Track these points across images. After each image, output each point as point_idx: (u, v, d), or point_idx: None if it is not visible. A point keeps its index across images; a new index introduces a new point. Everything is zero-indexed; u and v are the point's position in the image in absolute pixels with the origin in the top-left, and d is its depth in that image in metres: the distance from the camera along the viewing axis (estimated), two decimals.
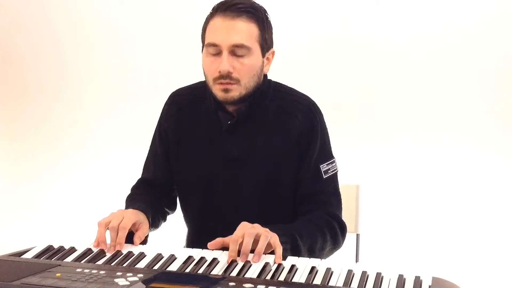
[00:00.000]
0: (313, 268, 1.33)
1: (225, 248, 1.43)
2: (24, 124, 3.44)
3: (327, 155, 1.69)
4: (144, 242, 1.57)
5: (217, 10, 1.58)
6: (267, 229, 1.43)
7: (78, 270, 1.29)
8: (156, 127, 1.80)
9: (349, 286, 1.25)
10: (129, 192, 1.82)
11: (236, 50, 1.56)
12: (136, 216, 1.58)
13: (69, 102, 3.35)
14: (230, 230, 1.42)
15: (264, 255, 1.39)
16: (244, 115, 1.64)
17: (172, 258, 1.41)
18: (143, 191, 1.79)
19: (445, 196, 2.83)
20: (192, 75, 1.82)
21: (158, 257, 1.42)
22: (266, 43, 1.62)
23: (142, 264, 1.39)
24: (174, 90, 1.81)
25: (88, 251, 1.46)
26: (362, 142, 2.91)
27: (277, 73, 1.76)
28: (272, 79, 1.73)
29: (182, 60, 2.96)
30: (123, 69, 3.24)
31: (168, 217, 1.83)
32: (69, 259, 1.42)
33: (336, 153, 1.72)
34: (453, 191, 2.82)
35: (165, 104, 1.79)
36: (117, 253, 1.46)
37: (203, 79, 1.68)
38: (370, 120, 2.91)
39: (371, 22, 2.86)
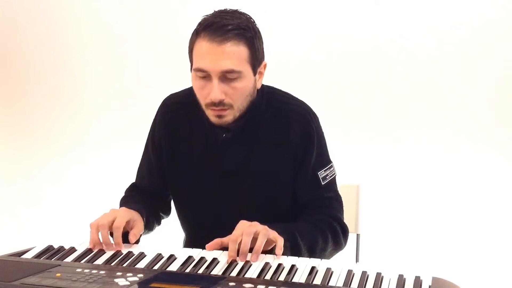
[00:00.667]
0: (313, 268, 1.33)
1: (224, 248, 1.43)
2: (24, 124, 3.44)
3: (325, 161, 1.67)
4: (137, 241, 1.54)
5: (203, 31, 1.50)
6: (266, 227, 1.42)
7: (78, 270, 1.29)
8: (149, 134, 1.76)
9: (349, 286, 1.25)
10: (123, 194, 1.81)
11: (226, 75, 1.50)
12: (129, 214, 1.56)
13: (69, 102, 3.35)
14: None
15: (263, 254, 1.39)
16: (239, 128, 1.61)
17: (172, 258, 1.41)
18: (137, 194, 1.78)
19: (445, 196, 2.83)
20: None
21: (158, 257, 1.42)
22: (257, 60, 1.55)
23: (142, 264, 1.39)
24: (174, 90, 1.80)
25: (88, 251, 1.46)
26: (362, 142, 2.91)
27: (278, 73, 1.75)
28: (269, 82, 1.70)
29: (182, 60, 2.95)
30: (123, 69, 3.24)
31: (168, 217, 1.83)
32: (69, 259, 1.42)
33: (337, 153, 1.71)
34: (453, 191, 2.82)
35: (157, 112, 1.75)
36: (117, 253, 1.46)
37: None
38: (370, 120, 2.91)
39: (371, 22, 2.86)
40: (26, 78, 3.42)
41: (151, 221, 1.70)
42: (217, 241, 1.43)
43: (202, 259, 1.40)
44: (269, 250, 1.43)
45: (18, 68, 3.42)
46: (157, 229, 1.77)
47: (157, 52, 3.16)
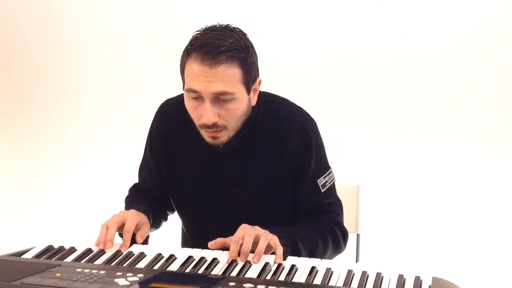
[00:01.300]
0: (313, 268, 1.33)
1: (225, 248, 1.43)
2: (24, 124, 3.44)
3: (324, 169, 1.66)
4: (145, 242, 1.56)
5: (194, 51, 1.46)
6: (267, 231, 1.43)
7: (78, 270, 1.29)
8: (147, 142, 1.75)
9: (349, 286, 1.25)
10: (127, 193, 1.81)
11: (219, 97, 1.46)
12: (138, 217, 1.58)
13: (69, 102, 3.35)
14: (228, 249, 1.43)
15: (264, 255, 1.39)
16: (237, 140, 1.59)
17: (172, 258, 1.41)
18: (142, 193, 1.79)
19: (445, 196, 2.83)
20: None
21: (158, 257, 1.42)
22: (251, 79, 1.51)
23: (142, 264, 1.39)
24: (174, 90, 1.78)
25: (88, 251, 1.46)
26: (362, 142, 2.91)
27: (277, 73, 1.75)
28: (268, 83, 1.67)
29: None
30: (123, 69, 3.24)
31: (174, 213, 1.83)
32: (69, 259, 1.42)
33: (337, 153, 1.71)
34: (453, 191, 2.82)
35: (154, 119, 1.73)
36: (117, 253, 1.46)
37: None
38: (370, 120, 2.90)
39: (371, 22, 2.86)
40: (26, 78, 3.42)
41: (157, 219, 1.71)
42: (220, 240, 1.43)
43: (202, 259, 1.40)
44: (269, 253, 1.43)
45: (18, 68, 3.42)
46: (158, 229, 1.77)
47: (157, 52, 3.16)
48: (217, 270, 1.33)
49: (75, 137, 3.35)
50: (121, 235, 1.53)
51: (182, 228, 1.84)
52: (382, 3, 2.84)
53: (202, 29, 1.52)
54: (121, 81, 3.25)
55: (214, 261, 1.38)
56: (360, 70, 2.89)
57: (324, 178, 1.65)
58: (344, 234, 1.66)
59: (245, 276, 1.30)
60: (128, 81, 3.24)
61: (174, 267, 1.37)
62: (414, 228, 2.85)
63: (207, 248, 1.46)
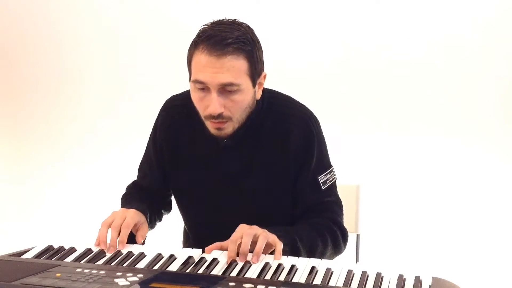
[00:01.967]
0: (313, 268, 1.33)
1: (226, 248, 1.43)
2: (24, 123, 3.44)
3: (325, 166, 1.67)
4: (143, 242, 1.57)
5: (201, 43, 1.49)
6: (265, 230, 1.43)
7: (78, 270, 1.29)
8: (151, 136, 1.77)
9: (349, 286, 1.25)
10: (124, 191, 1.82)
11: (225, 88, 1.49)
12: (138, 216, 1.58)
13: (69, 102, 3.35)
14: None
15: (263, 255, 1.39)
16: (241, 134, 1.61)
17: (172, 258, 1.41)
18: (139, 191, 1.79)
19: (445, 196, 2.83)
20: None
21: (158, 257, 1.42)
22: (256, 72, 1.54)
23: (142, 264, 1.39)
24: (175, 89, 1.79)
25: (88, 251, 1.46)
26: (362, 142, 2.91)
27: (278, 73, 1.75)
28: (269, 83, 1.68)
29: (182, 60, 2.96)
30: (123, 69, 3.24)
31: (168, 217, 1.83)
32: (69, 259, 1.42)
33: (337, 153, 1.71)
34: (453, 191, 2.82)
35: (159, 114, 1.75)
36: (117, 253, 1.46)
37: None
38: (370, 120, 2.90)
39: (371, 22, 2.86)
40: (26, 78, 3.42)
41: (153, 219, 1.72)
42: (216, 244, 1.43)
43: (202, 259, 1.40)
44: (269, 252, 1.43)
45: (18, 68, 3.42)
46: (158, 229, 1.77)
47: (157, 54, 3.16)
48: (217, 270, 1.33)
49: (74, 137, 3.35)
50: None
51: (184, 228, 1.84)
52: (382, 2, 2.84)
53: (209, 23, 1.54)
54: (121, 81, 3.25)
55: (214, 261, 1.38)
56: (360, 70, 2.90)
57: (325, 175, 1.66)
58: (344, 234, 1.66)
59: (245, 276, 1.30)
60: (128, 81, 3.24)
61: (174, 267, 1.37)
62: (414, 228, 2.85)
63: (207, 244, 1.46)
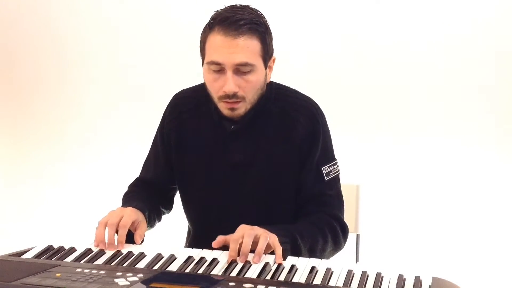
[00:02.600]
0: (313, 268, 1.33)
1: (226, 247, 1.43)
2: (24, 124, 3.45)
3: (329, 157, 1.69)
4: (141, 242, 1.56)
5: (217, 25, 1.53)
6: (266, 230, 1.43)
7: (78, 270, 1.29)
8: (158, 128, 1.79)
9: (349, 286, 1.25)
10: (126, 189, 1.82)
11: (240, 68, 1.53)
12: (136, 214, 1.58)
13: (69, 102, 3.35)
14: (232, 233, 1.43)
15: (264, 255, 1.39)
16: (247, 121, 1.63)
17: (172, 258, 1.41)
18: (140, 189, 1.79)
19: (445, 196, 2.83)
20: (193, 75, 1.82)
21: (158, 257, 1.42)
22: (268, 55, 1.60)
23: (142, 264, 1.39)
24: (175, 89, 1.80)
25: (88, 251, 1.46)
26: (362, 142, 2.92)
27: (279, 74, 1.75)
28: (274, 81, 1.72)
29: (183, 60, 2.96)
30: (123, 69, 3.24)
31: (168, 217, 1.83)
32: (69, 259, 1.42)
33: (337, 153, 1.72)
34: (453, 191, 2.82)
35: (167, 106, 1.78)
36: (117, 253, 1.46)
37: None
38: (370, 120, 2.91)
39: (372, 21, 2.86)
40: (26, 78, 3.42)
41: (152, 218, 1.71)
42: (221, 238, 1.43)
43: (202, 259, 1.40)
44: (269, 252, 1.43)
45: (18, 68, 3.42)
46: (158, 229, 1.77)
47: (157, 54, 3.16)
48: (217, 270, 1.33)
49: (74, 137, 3.35)
50: (117, 231, 1.53)
51: (188, 228, 1.84)
52: (381, 2, 2.84)
53: (222, 8, 1.58)
54: (121, 82, 3.26)
55: (214, 261, 1.38)
56: (360, 70, 2.90)
57: (329, 167, 1.67)
58: (344, 230, 1.67)
59: (245, 276, 1.30)
60: (128, 82, 3.24)
61: (174, 267, 1.37)
62: (414, 228, 2.85)
63: (209, 237, 1.46)
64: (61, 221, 3.33)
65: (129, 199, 1.72)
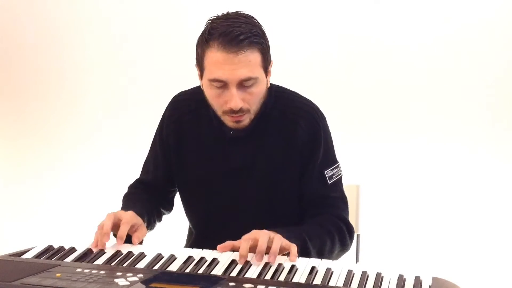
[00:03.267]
0: (313, 268, 1.33)
1: (235, 251, 1.42)
2: (24, 124, 3.44)
3: (331, 161, 1.68)
4: (140, 243, 1.55)
5: (215, 40, 1.48)
6: (277, 233, 1.42)
7: (78, 270, 1.29)
8: (157, 130, 1.78)
9: (349, 286, 1.25)
10: (126, 190, 1.82)
11: (243, 83, 1.51)
12: (135, 218, 1.57)
13: (69, 103, 3.35)
14: (233, 238, 1.42)
15: (278, 256, 1.38)
16: (249, 126, 1.61)
17: (172, 258, 1.41)
18: (140, 191, 1.79)
19: (445, 196, 2.83)
20: (192, 76, 1.81)
21: (158, 257, 1.42)
22: (268, 62, 1.58)
23: (142, 264, 1.39)
24: (174, 90, 1.80)
25: (88, 251, 1.46)
26: (362, 142, 2.91)
27: (278, 75, 1.75)
28: (273, 82, 1.70)
29: (182, 62, 2.96)
30: (123, 70, 3.24)
31: (168, 217, 1.83)
32: (69, 259, 1.42)
33: (337, 153, 1.72)
34: (453, 191, 2.82)
35: (166, 108, 1.76)
36: (117, 253, 1.46)
37: None
38: (370, 120, 2.91)
39: (371, 21, 2.86)
40: (25, 79, 3.41)
41: (151, 221, 1.71)
42: (229, 243, 1.42)
43: (202, 259, 1.40)
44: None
45: (18, 69, 3.42)
46: (158, 229, 1.77)
47: (157, 55, 3.16)
48: (217, 270, 1.33)
49: (74, 138, 3.35)
50: (115, 235, 1.52)
51: (189, 227, 1.84)
52: (381, 2, 2.84)
53: (214, 18, 1.55)
54: (120, 83, 3.25)
55: (214, 261, 1.37)
56: (360, 70, 2.90)
57: (331, 170, 1.66)
58: (350, 231, 1.66)
59: (245, 276, 1.30)
60: (128, 82, 3.24)
61: (174, 267, 1.37)
62: (414, 228, 2.85)
63: (210, 240, 1.46)
64: (61, 221, 3.33)
65: (128, 201, 1.72)
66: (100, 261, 1.41)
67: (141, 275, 1.26)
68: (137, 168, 1.85)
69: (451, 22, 2.78)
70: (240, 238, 1.41)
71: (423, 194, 2.86)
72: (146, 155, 1.83)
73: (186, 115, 1.71)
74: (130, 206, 1.64)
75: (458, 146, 2.81)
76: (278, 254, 1.39)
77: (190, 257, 1.40)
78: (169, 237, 1.99)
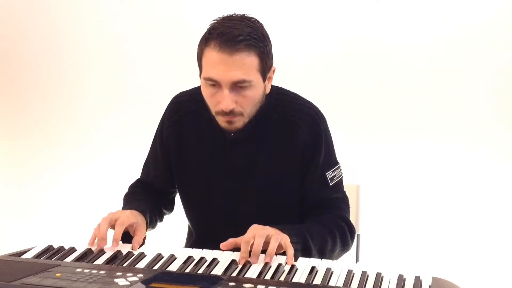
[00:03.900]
0: (313, 268, 1.33)
1: (236, 249, 1.42)
2: (24, 124, 3.44)
3: (332, 162, 1.68)
4: (142, 243, 1.56)
5: (213, 40, 1.49)
6: (278, 231, 1.43)
7: (78, 270, 1.29)
8: (157, 131, 1.78)
9: (349, 286, 1.25)
10: (127, 190, 1.82)
11: (237, 84, 1.50)
12: (134, 217, 1.57)
13: (69, 103, 3.35)
14: (235, 238, 1.43)
15: (275, 255, 1.39)
16: (247, 129, 1.61)
17: (172, 258, 1.41)
18: (141, 190, 1.79)
19: (445, 196, 2.83)
20: (192, 76, 1.82)
21: (158, 257, 1.42)
22: (267, 67, 1.56)
23: (142, 264, 1.39)
24: (174, 90, 1.79)
25: (88, 251, 1.46)
26: (362, 142, 2.91)
27: (279, 76, 1.75)
28: (275, 83, 1.69)
29: (182, 61, 2.95)
30: (123, 70, 3.24)
31: (168, 217, 1.83)
32: (69, 259, 1.42)
33: (337, 153, 1.72)
34: (453, 191, 2.82)
35: (166, 109, 1.76)
36: (117, 253, 1.46)
37: None
38: (371, 120, 2.90)
39: (372, 22, 2.86)
40: (25, 79, 3.41)
41: (153, 220, 1.71)
42: (231, 241, 1.42)
43: (202, 259, 1.40)
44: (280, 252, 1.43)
45: (18, 69, 3.42)
46: (158, 229, 1.77)
47: (157, 55, 3.16)
48: (217, 270, 1.33)
49: (74, 138, 3.35)
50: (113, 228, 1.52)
51: (189, 226, 1.84)
52: (381, 2, 2.84)
53: (219, 18, 1.55)
54: (120, 83, 3.25)
55: (214, 261, 1.38)
56: (360, 70, 2.89)
57: (332, 172, 1.66)
58: (351, 231, 1.66)
59: (245, 276, 1.30)
60: (128, 83, 3.24)
61: (174, 267, 1.37)
62: (414, 228, 2.85)
63: (210, 242, 1.46)
64: (61, 221, 3.33)
65: (130, 200, 1.72)
66: (100, 261, 1.42)
67: (141, 275, 1.26)
68: (137, 168, 1.86)
69: (451, 22, 2.78)
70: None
71: (423, 194, 2.85)
72: (146, 155, 1.83)
73: (186, 116, 1.71)
74: (132, 204, 1.64)
75: (458, 146, 2.81)
76: (276, 252, 1.39)
77: (190, 257, 1.40)
78: (169, 237, 1.99)
